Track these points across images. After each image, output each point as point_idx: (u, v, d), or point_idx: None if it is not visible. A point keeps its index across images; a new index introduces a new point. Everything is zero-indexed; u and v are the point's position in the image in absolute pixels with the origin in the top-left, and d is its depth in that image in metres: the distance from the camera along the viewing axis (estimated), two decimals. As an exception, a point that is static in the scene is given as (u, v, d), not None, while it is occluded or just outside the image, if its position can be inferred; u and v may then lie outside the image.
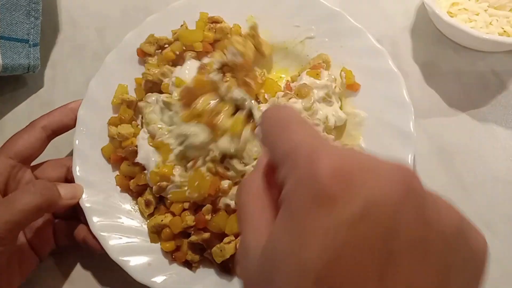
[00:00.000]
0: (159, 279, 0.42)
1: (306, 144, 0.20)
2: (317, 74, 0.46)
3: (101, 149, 0.49)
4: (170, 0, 0.55)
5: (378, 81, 0.46)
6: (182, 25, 0.52)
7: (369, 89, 0.46)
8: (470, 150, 0.49)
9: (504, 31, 0.49)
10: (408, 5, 0.57)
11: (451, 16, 0.50)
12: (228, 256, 0.41)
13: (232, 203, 0.42)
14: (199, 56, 0.50)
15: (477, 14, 0.49)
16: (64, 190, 0.44)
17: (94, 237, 0.44)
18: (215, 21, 0.51)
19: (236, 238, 0.42)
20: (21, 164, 0.45)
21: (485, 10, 0.50)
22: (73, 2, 0.64)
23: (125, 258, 0.43)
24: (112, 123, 0.49)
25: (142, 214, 0.47)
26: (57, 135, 0.48)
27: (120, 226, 0.46)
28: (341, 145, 0.22)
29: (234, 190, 0.43)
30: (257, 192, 0.23)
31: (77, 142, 0.48)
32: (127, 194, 0.48)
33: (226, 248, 0.41)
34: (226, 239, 0.42)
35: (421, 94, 0.52)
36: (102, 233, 0.44)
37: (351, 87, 0.47)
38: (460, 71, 0.52)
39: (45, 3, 0.60)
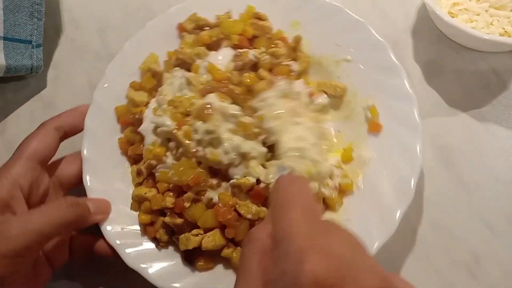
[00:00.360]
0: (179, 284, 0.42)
1: (301, 235, 0.23)
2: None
3: (115, 108, 0.50)
4: (172, 2, 0.55)
5: (397, 126, 0.44)
6: (227, 13, 0.51)
7: (388, 132, 0.45)
8: (470, 150, 0.49)
9: (505, 31, 0.49)
10: (408, 5, 0.57)
11: (452, 17, 0.50)
12: (190, 248, 0.42)
13: (215, 198, 0.43)
14: (234, 48, 0.50)
15: (478, 15, 0.49)
16: (93, 205, 0.44)
17: (112, 249, 0.44)
18: (259, 17, 0.50)
19: (204, 233, 0.43)
20: (40, 166, 0.45)
21: (486, 11, 0.50)
22: (75, 3, 0.65)
23: (144, 265, 0.43)
24: (132, 86, 0.50)
25: (132, 180, 0.48)
26: (68, 137, 0.48)
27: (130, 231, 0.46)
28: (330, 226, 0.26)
29: (223, 186, 0.44)
30: (260, 251, 0.25)
31: (85, 152, 0.48)
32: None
33: (191, 239, 0.42)
34: (194, 231, 0.43)
35: (422, 94, 0.52)
36: (118, 242, 0.44)
37: (373, 127, 0.46)
38: (461, 71, 0.53)
39: (47, 4, 0.60)
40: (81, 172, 0.47)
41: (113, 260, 0.44)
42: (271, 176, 0.41)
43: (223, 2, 0.52)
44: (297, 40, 0.49)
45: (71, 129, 0.48)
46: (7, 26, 0.56)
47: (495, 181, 0.48)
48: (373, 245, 0.40)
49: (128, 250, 0.44)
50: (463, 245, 0.45)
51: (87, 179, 0.47)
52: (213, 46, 0.50)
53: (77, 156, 0.48)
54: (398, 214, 0.40)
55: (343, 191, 0.44)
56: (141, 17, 0.63)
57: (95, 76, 0.53)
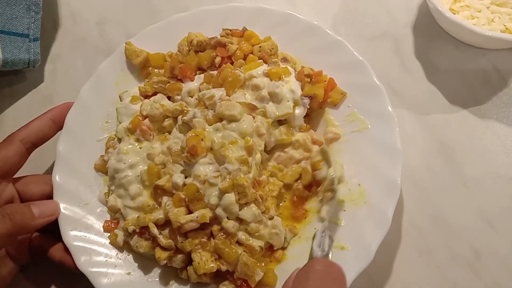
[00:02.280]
0: None
1: None
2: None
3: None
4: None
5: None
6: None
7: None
8: (471, 146, 0.49)
9: (506, 28, 0.49)
10: (410, 2, 0.57)
11: (453, 13, 0.50)
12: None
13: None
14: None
15: (479, 11, 0.50)
16: (39, 209, 0.43)
17: (70, 256, 0.44)
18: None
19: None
20: (0, 179, 0.45)
21: (488, 7, 0.50)
22: (73, -4, 0.64)
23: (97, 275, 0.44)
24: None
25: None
26: (38, 146, 0.48)
27: (91, 241, 0.46)
28: None
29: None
30: None
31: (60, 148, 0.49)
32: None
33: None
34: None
35: (423, 90, 0.52)
36: (75, 243, 0.45)
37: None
38: (462, 68, 0.53)
39: (45, -3, 0.59)
40: (46, 196, 0.47)
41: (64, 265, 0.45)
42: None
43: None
44: (244, 29, 0.51)
45: (39, 138, 0.47)
46: (3, 20, 0.55)
47: (496, 177, 0.48)
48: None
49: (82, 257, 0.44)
50: (464, 241, 0.46)
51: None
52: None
53: (42, 180, 0.48)
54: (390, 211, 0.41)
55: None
56: (140, 11, 0.62)
57: (94, 70, 0.53)
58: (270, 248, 0.44)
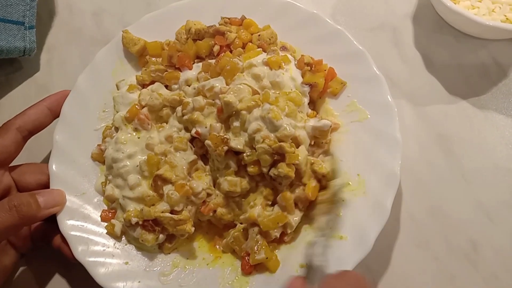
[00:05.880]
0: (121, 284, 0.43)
1: None
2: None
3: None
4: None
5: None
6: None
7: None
8: (470, 138, 0.49)
9: (507, 18, 0.48)
10: (409, -8, 0.56)
11: (454, 3, 0.49)
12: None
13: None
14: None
15: (480, 1, 0.49)
16: (45, 199, 0.43)
17: (68, 245, 0.44)
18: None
19: None
20: None
21: (488, -3, 0.49)
22: (70, -15, 0.63)
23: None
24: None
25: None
26: (34, 134, 0.47)
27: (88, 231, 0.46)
28: None
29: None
30: None
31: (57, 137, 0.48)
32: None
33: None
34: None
35: (422, 81, 0.52)
36: (72, 233, 0.44)
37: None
38: (461, 59, 0.52)
39: (41, -15, 0.59)
40: (43, 185, 0.47)
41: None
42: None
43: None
44: (243, 18, 0.51)
45: (36, 126, 0.47)
46: (-2, 7, 0.54)
47: (495, 169, 0.47)
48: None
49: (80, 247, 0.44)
50: (461, 233, 0.45)
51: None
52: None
53: (39, 169, 0.48)
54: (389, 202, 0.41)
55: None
56: (137, 1, 0.62)
57: (90, 61, 0.52)
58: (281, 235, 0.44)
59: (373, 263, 0.45)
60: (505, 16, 0.48)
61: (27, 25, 0.56)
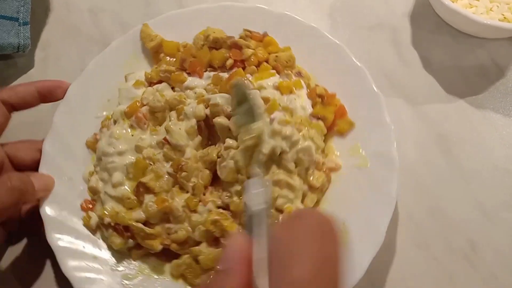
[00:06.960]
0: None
1: None
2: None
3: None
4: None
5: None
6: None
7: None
8: (468, 138, 0.49)
9: (505, 17, 0.49)
10: (407, -9, 0.56)
11: (452, 1, 0.49)
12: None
13: None
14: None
15: (478, 0, 0.49)
16: (37, 182, 0.42)
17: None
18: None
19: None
20: None
21: (486, -3, 0.49)
22: (66, -18, 0.63)
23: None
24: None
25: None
26: (16, 110, 0.46)
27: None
28: None
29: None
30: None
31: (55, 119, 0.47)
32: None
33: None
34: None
35: (420, 81, 0.52)
36: (49, 214, 0.43)
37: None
38: (459, 58, 0.52)
39: (36, -19, 0.58)
40: (37, 162, 0.46)
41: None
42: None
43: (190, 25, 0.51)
44: (264, 35, 0.49)
45: (19, 105, 0.45)
46: (-8, 3, 0.54)
47: (493, 169, 0.47)
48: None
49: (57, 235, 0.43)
50: (461, 233, 0.45)
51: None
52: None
53: (34, 146, 0.47)
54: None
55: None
56: (135, 0, 0.61)
57: (86, 57, 0.51)
58: None
59: (372, 263, 0.44)
60: (503, 15, 0.49)
61: (21, 21, 0.56)
